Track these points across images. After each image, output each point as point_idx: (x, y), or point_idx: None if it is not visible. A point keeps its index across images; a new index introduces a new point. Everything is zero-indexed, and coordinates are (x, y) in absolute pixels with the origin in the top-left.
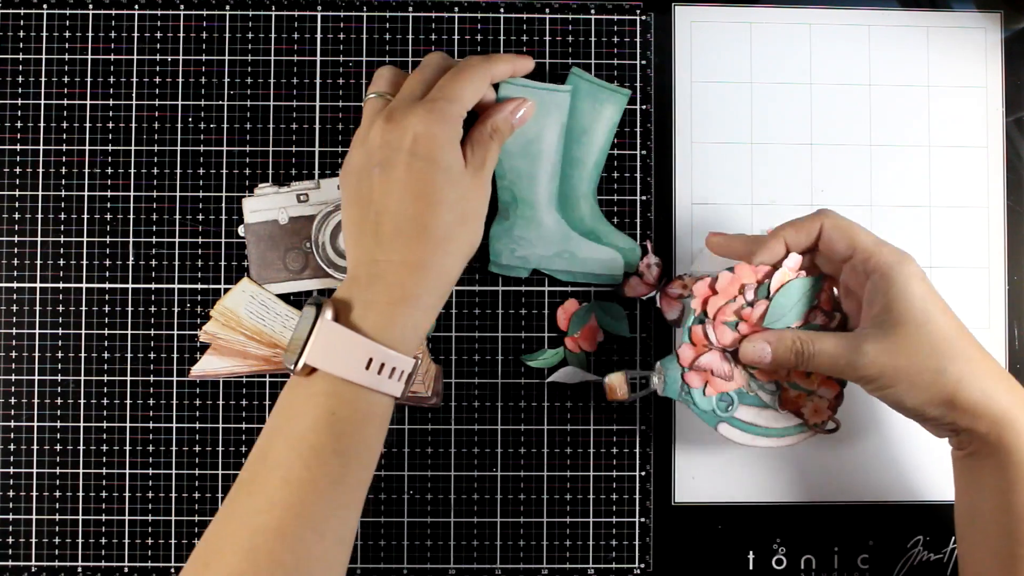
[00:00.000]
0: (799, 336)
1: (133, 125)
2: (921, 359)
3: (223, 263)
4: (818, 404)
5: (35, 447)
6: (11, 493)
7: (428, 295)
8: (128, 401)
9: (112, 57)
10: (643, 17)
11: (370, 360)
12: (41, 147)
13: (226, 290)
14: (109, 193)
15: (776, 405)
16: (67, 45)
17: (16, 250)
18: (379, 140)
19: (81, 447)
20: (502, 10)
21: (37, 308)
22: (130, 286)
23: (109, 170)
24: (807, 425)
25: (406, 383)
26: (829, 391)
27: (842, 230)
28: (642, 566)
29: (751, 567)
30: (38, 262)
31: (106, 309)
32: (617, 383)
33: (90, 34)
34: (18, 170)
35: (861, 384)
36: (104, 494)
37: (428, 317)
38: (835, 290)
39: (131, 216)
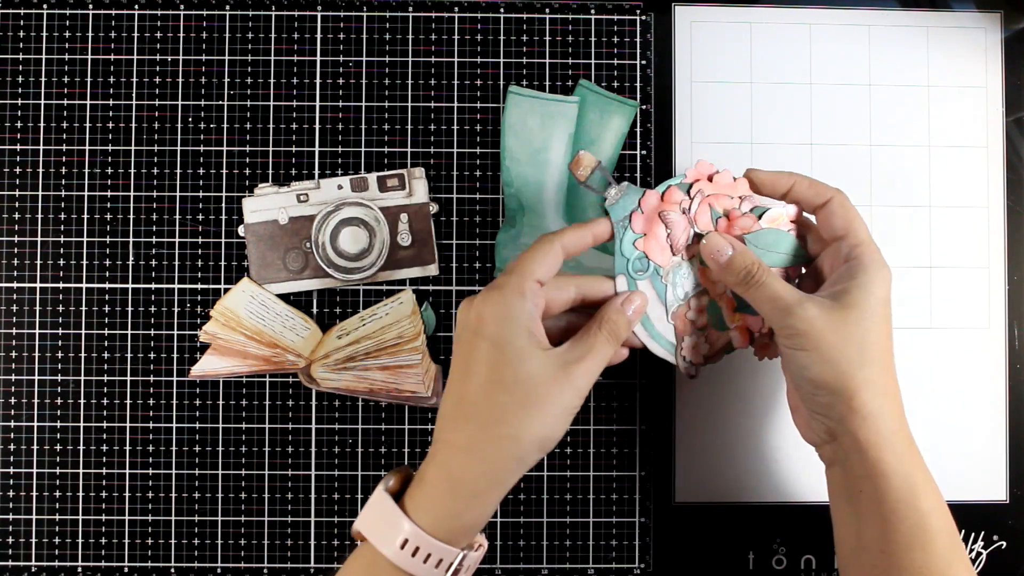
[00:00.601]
0: (760, 263)
1: (133, 125)
2: (849, 345)
3: (223, 263)
4: (699, 344)
5: (35, 447)
6: (11, 493)
7: (477, 482)
8: (128, 401)
9: (112, 57)
10: (643, 17)
11: (405, 541)
12: (41, 147)
13: (226, 290)
14: (109, 193)
15: (669, 312)
16: (67, 45)
17: (16, 250)
18: (457, 320)
19: (81, 447)
20: (502, 10)
21: (37, 308)
22: (130, 286)
23: (109, 170)
24: (675, 353)
25: (450, 573)
26: (729, 339)
27: (847, 210)
28: (642, 566)
29: (751, 567)
30: (38, 262)
31: (106, 309)
32: (586, 162)
33: (90, 34)
34: (18, 170)
35: (782, 336)
36: (104, 494)
37: (478, 506)
38: (802, 269)
39: (131, 216)
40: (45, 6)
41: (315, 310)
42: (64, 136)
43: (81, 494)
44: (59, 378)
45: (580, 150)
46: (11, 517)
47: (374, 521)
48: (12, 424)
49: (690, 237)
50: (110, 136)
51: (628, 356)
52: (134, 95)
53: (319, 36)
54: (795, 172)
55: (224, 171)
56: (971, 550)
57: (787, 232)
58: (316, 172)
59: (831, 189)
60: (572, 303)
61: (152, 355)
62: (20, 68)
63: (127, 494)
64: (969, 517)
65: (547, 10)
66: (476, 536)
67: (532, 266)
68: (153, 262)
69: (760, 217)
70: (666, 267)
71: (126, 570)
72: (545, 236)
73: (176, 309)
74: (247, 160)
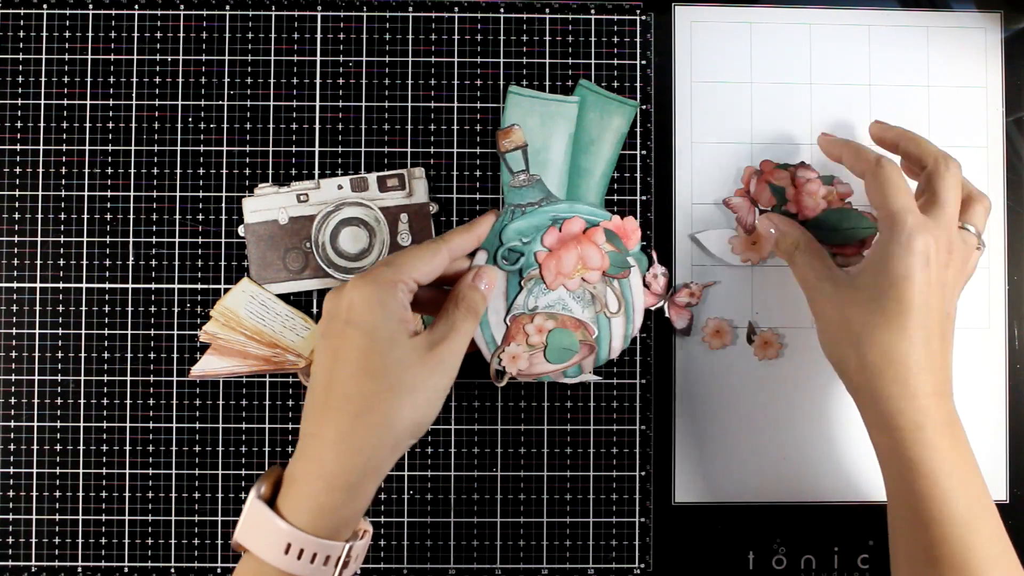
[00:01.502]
0: (800, 241)
1: (133, 125)
2: (849, 326)
3: (223, 263)
4: (519, 357)
5: (35, 447)
6: (11, 493)
7: (351, 473)
8: (128, 401)
9: (112, 57)
10: (643, 17)
11: (288, 546)
12: (41, 147)
13: (226, 290)
14: (109, 193)
15: (509, 314)
16: (67, 45)
17: (16, 250)
18: (324, 310)
19: (81, 447)
20: (502, 10)
21: (37, 308)
22: (130, 286)
23: (109, 170)
24: (493, 353)
25: (339, 568)
26: (550, 372)
27: (878, 183)
28: (642, 566)
29: (751, 567)
30: (38, 262)
31: (106, 309)
32: (515, 137)
33: (90, 34)
34: (18, 170)
35: (809, 305)
36: (104, 494)
37: (355, 498)
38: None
39: (131, 216)
40: (45, 6)
41: (315, 310)
42: (64, 136)
43: (81, 494)
44: (59, 378)
45: (515, 125)
46: (11, 517)
47: (252, 530)
48: (12, 424)
49: (756, 217)
50: (110, 136)
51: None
52: (134, 95)
53: (319, 36)
54: (847, 142)
55: (224, 171)
56: None
57: (851, 209)
58: (316, 172)
59: (869, 159)
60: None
61: (152, 355)
62: (20, 68)
63: (127, 494)
64: None
65: (547, 10)
66: (360, 523)
67: (414, 263)
68: (153, 262)
69: (828, 183)
70: (534, 271)
71: (126, 570)
72: (433, 240)
73: (176, 309)
74: (247, 160)
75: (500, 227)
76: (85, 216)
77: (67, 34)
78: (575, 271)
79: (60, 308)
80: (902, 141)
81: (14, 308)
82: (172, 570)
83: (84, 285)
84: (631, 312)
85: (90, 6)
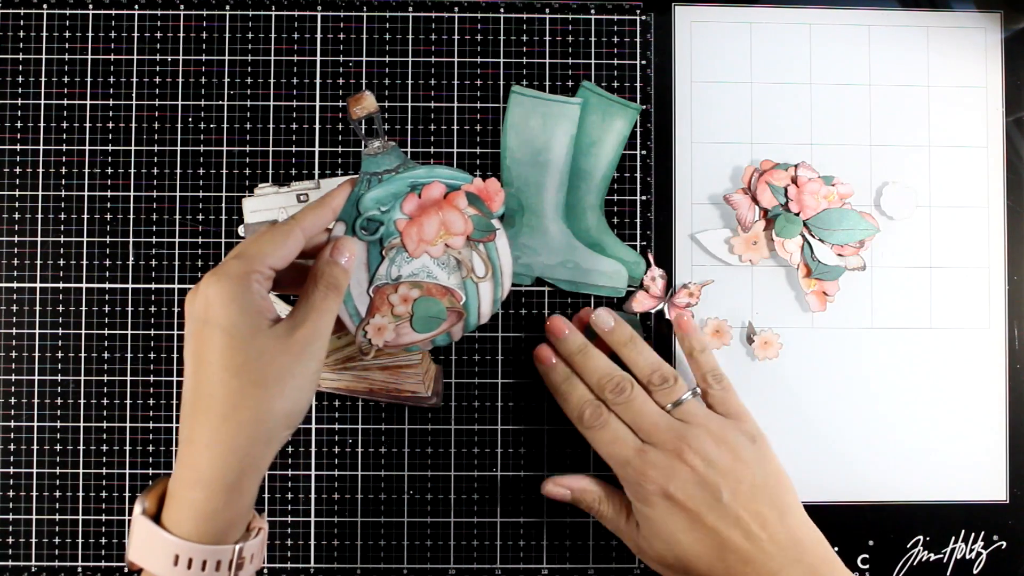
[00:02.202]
0: (600, 494)
1: (133, 125)
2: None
3: None
4: (385, 328)
5: (35, 447)
6: (11, 493)
7: (227, 475)
8: (128, 401)
9: (112, 57)
10: (643, 17)
11: (176, 557)
12: (41, 147)
13: None
14: (109, 193)
15: (372, 285)
16: (67, 45)
17: (16, 250)
18: (185, 312)
19: (81, 447)
20: (502, 10)
21: (37, 308)
22: (130, 286)
23: (109, 170)
24: (357, 325)
25: (233, 570)
26: (419, 341)
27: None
28: (642, 566)
29: None
30: (38, 262)
31: (106, 309)
32: (367, 103)
33: (90, 34)
34: (18, 170)
35: None
36: (104, 494)
37: (236, 498)
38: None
39: (131, 216)
40: (45, 6)
41: None
42: (64, 136)
43: (81, 494)
44: (59, 378)
45: (365, 91)
46: (11, 517)
47: (140, 547)
48: (12, 424)
49: (756, 215)
50: (110, 136)
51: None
52: (134, 95)
53: (319, 36)
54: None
55: (224, 171)
56: (971, 550)
57: (851, 210)
58: (316, 172)
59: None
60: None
61: (152, 355)
62: (20, 68)
63: (127, 494)
64: (969, 517)
65: (547, 10)
66: (252, 520)
67: (265, 250)
68: (153, 262)
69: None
70: (395, 239)
71: (126, 570)
72: (284, 222)
73: (176, 309)
74: (247, 160)
75: (356, 196)
76: (85, 216)
77: (67, 34)
78: (438, 237)
79: (60, 308)
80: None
81: (14, 308)
82: None
83: (84, 285)
84: (499, 276)
85: (90, 6)
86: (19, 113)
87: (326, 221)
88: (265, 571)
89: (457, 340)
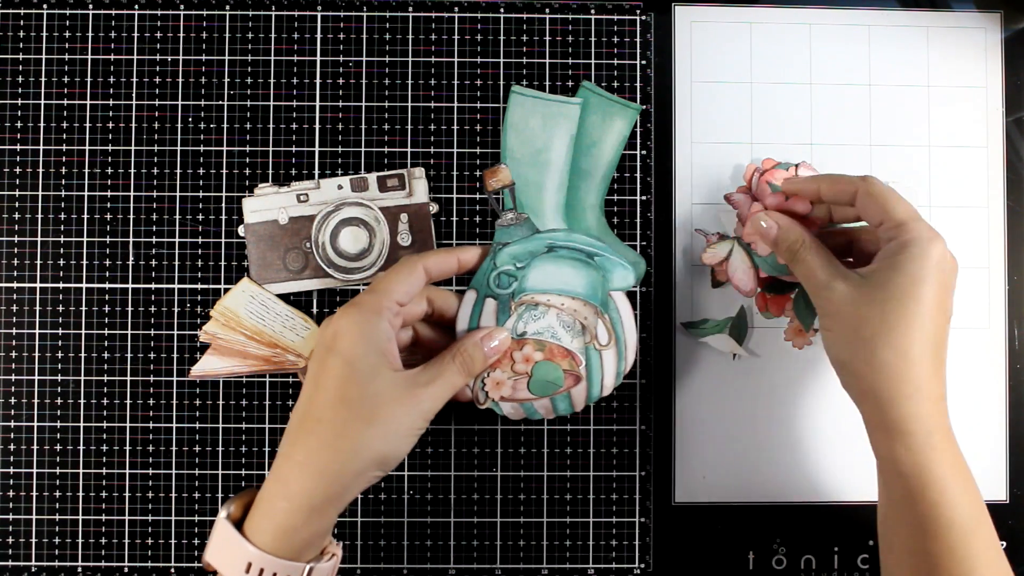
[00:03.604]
0: (803, 238)
1: (133, 125)
2: (867, 327)
3: (223, 263)
4: (503, 383)
5: (35, 447)
6: (11, 493)
7: (313, 496)
8: (128, 401)
9: (112, 57)
10: (643, 17)
11: (249, 565)
12: (41, 147)
13: (226, 290)
14: (109, 193)
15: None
16: (67, 45)
17: (16, 250)
18: (316, 338)
19: (81, 447)
20: (502, 10)
21: (37, 308)
22: (130, 286)
23: (109, 170)
24: (477, 377)
25: None
26: (532, 402)
27: (876, 196)
28: (642, 566)
29: (751, 567)
30: (38, 262)
31: (106, 309)
32: (502, 176)
33: (90, 34)
34: (18, 170)
35: (819, 315)
36: (104, 494)
37: (316, 521)
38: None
39: (131, 216)
40: (45, 6)
41: (315, 310)
42: (64, 136)
43: (81, 494)
44: (59, 378)
45: (502, 164)
46: (11, 517)
47: (218, 549)
48: (12, 424)
49: (750, 209)
50: (110, 136)
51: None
52: (134, 95)
53: (319, 36)
54: (819, 175)
55: (224, 171)
56: None
57: None
58: (316, 172)
59: (855, 180)
60: (423, 315)
61: (152, 355)
62: (20, 68)
63: (127, 494)
64: None
65: (547, 10)
66: (327, 545)
67: (393, 286)
68: (153, 262)
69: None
70: (526, 296)
71: (126, 570)
72: (409, 257)
73: (176, 309)
74: (247, 160)
75: (492, 256)
76: (85, 216)
77: (67, 34)
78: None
79: (60, 308)
80: (822, 182)
81: (14, 308)
82: (172, 570)
83: (84, 285)
84: (622, 348)
85: (90, 6)
86: (19, 113)
87: (450, 267)
88: None
89: (579, 410)
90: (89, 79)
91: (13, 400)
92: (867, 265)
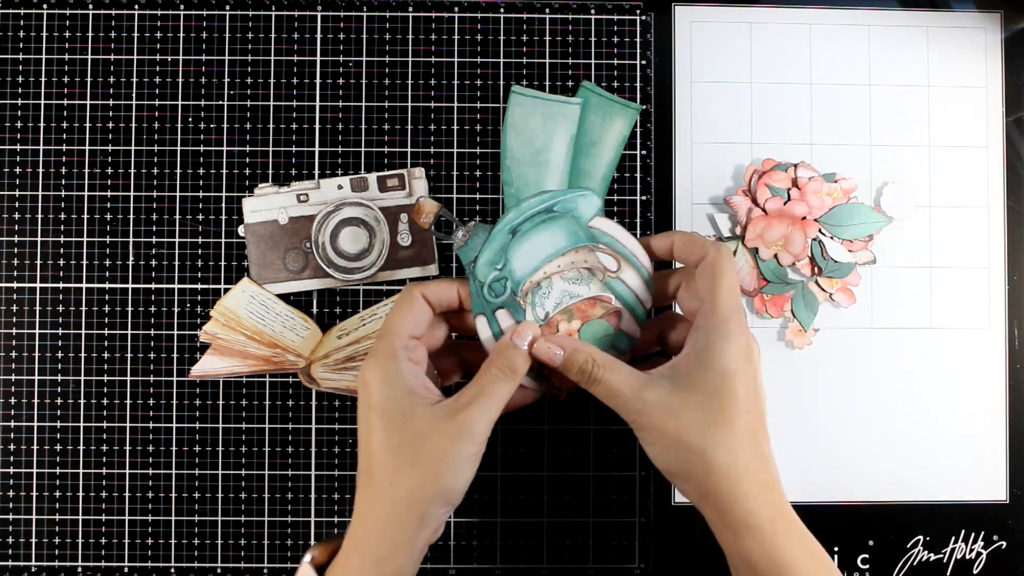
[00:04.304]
0: (593, 357)
1: (133, 125)
2: (690, 433)
3: (223, 263)
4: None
5: (35, 447)
6: (11, 493)
7: (380, 546)
8: (128, 401)
9: (112, 57)
10: (643, 17)
11: None
12: (41, 147)
13: (226, 290)
14: (109, 193)
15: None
16: (67, 45)
17: (16, 250)
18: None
19: (81, 447)
20: (502, 10)
21: (37, 308)
22: (130, 286)
23: (109, 170)
24: (534, 378)
25: None
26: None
27: (714, 271)
28: (642, 566)
29: None
30: (38, 262)
31: (106, 309)
32: (427, 208)
33: (90, 34)
34: (18, 170)
35: (635, 430)
36: (104, 494)
37: (387, 569)
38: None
39: (131, 216)
40: (45, 6)
41: (315, 310)
42: (64, 136)
43: (81, 494)
44: (59, 378)
45: (420, 198)
46: (11, 517)
47: None
48: (12, 424)
49: (751, 213)
50: (110, 136)
51: (536, 397)
52: (134, 95)
53: (319, 36)
54: (678, 231)
55: (224, 171)
56: (971, 550)
57: (859, 204)
58: (316, 172)
59: (707, 247)
60: (447, 335)
61: (152, 355)
62: (20, 68)
63: (127, 494)
64: (969, 517)
65: (547, 10)
66: None
67: (398, 324)
68: (153, 262)
69: (832, 181)
70: (525, 285)
71: (126, 570)
72: (407, 288)
73: (176, 309)
74: (247, 160)
75: (472, 281)
76: (85, 216)
77: (67, 34)
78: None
79: (60, 308)
80: (671, 240)
81: (14, 308)
82: (172, 570)
83: (84, 285)
84: (633, 260)
85: (90, 6)
86: (19, 113)
87: (451, 296)
88: (265, 571)
89: (639, 336)
90: (89, 79)
91: (13, 400)
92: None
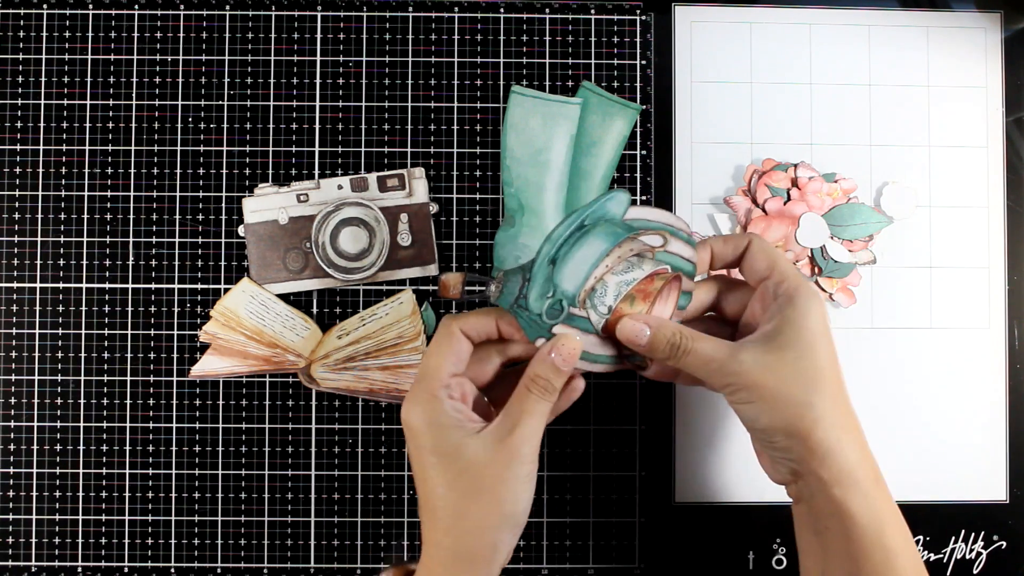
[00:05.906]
0: (680, 330)
1: (133, 125)
2: (793, 385)
3: (223, 263)
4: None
5: (35, 447)
6: (11, 493)
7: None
8: (128, 401)
9: (112, 57)
10: (643, 17)
11: None
12: (41, 147)
13: (226, 290)
14: (109, 193)
15: (599, 330)
16: (67, 45)
17: (16, 250)
18: None
19: (81, 447)
20: (502, 10)
21: (37, 308)
22: (130, 286)
23: (109, 170)
24: (615, 361)
25: None
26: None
27: (767, 251)
28: (642, 566)
29: (751, 567)
30: (38, 262)
31: (106, 309)
32: (452, 282)
33: (90, 34)
34: (18, 170)
35: (726, 394)
36: (104, 494)
37: None
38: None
39: (131, 216)
40: (45, 6)
41: (315, 310)
42: (64, 136)
43: (81, 494)
44: (59, 378)
45: (441, 276)
46: (11, 517)
47: None
48: (12, 424)
49: (751, 213)
50: (110, 136)
51: (584, 387)
52: (134, 95)
53: (319, 36)
54: (708, 237)
55: (224, 171)
56: (971, 550)
57: (860, 204)
58: (316, 172)
59: (740, 236)
60: (501, 366)
61: (152, 355)
62: (20, 68)
63: (127, 494)
64: (969, 517)
65: (547, 10)
66: None
67: (437, 364)
68: (153, 262)
69: (832, 181)
70: (580, 296)
71: (126, 570)
72: (444, 323)
73: (176, 309)
74: (247, 160)
75: (525, 319)
76: (85, 216)
77: (67, 34)
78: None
79: (60, 308)
80: (708, 246)
81: (14, 308)
82: (172, 570)
83: (84, 285)
84: (673, 230)
85: (90, 6)
86: (19, 113)
87: (489, 329)
88: (265, 571)
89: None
90: (89, 79)
91: (13, 400)
92: (732, 329)
